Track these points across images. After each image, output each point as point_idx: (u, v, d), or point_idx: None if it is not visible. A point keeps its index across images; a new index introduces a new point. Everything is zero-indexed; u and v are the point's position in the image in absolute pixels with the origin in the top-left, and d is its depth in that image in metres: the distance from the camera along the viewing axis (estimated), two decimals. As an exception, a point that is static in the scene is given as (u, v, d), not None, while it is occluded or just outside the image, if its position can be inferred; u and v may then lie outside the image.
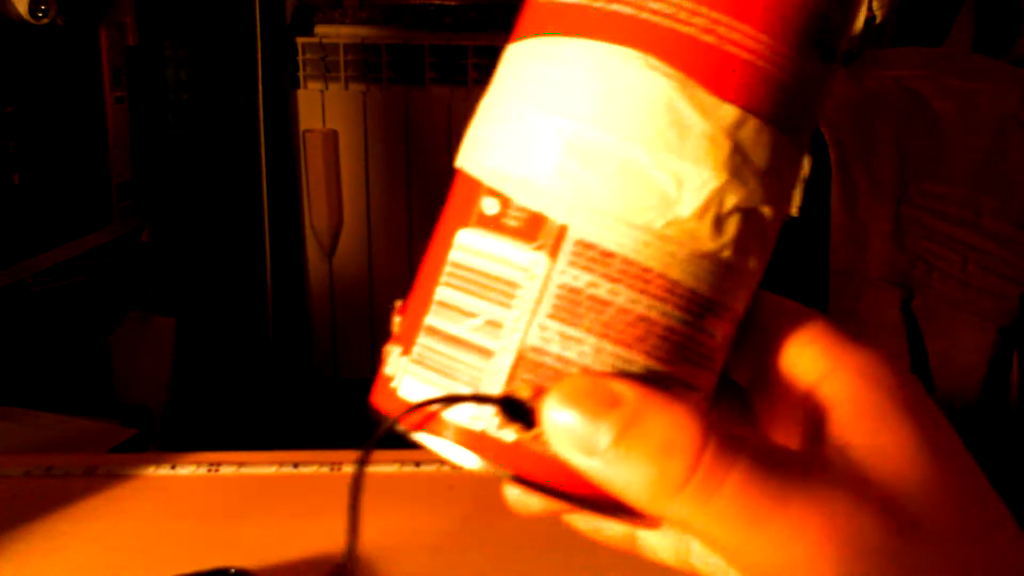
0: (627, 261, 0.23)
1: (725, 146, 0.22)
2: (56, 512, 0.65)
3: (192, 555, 0.59)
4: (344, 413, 2.14)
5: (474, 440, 0.23)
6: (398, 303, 0.26)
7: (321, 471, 0.70)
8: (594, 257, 0.23)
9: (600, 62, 0.23)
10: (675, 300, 0.23)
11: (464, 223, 0.24)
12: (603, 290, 0.23)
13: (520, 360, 0.23)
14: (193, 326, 1.97)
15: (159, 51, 1.94)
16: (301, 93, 2.04)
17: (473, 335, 0.23)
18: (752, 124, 0.23)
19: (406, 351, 0.25)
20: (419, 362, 0.24)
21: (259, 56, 1.94)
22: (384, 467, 0.70)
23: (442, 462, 0.72)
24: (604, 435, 0.22)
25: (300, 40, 2.02)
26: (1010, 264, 1.16)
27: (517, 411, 0.23)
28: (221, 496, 0.68)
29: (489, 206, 0.24)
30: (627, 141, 0.22)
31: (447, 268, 0.24)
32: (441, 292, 0.24)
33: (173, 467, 0.70)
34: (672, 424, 0.22)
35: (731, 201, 0.23)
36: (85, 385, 1.81)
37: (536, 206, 0.23)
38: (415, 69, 1.99)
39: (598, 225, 0.23)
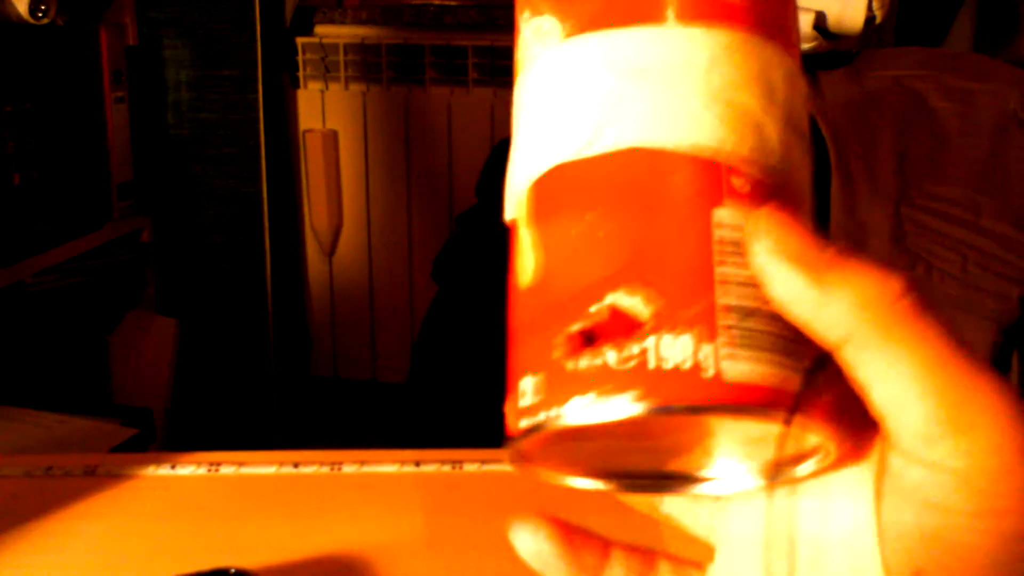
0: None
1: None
2: (56, 512, 0.65)
3: (192, 555, 0.59)
4: (344, 413, 2.14)
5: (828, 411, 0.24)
6: (622, 298, 0.24)
7: (321, 471, 0.70)
8: None
9: (762, 53, 0.26)
10: None
11: (716, 203, 0.24)
12: None
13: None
14: (193, 326, 1.97)
15: (159, 51, 1.94)
16: (301, 93, 2.04)
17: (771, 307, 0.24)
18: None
19: (708, 337, 0.23)
20: (736, 344, 0.23)
21: (259, 56, 1.94)
22: (384, 467, 0.70)
23: (442, 462, 0.72)
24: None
25: (300, 40, 2.02)
26: (1010, 264, 1.16)
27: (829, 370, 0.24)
28: (221, 496, 0.68)
29: (740, 184, 0.25)
30: (780, 119, 0.26)
31: (718, 246, 0.24)
32: (721, 271, 0.24)
33: (173, 467, 0.70)
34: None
35: None
36: (84, 385, 1.81)
37: (770, 180, 0.25)
38: (415, 69, 1.99)
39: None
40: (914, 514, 0.23)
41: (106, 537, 0.63)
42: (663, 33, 0.26)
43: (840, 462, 0.26)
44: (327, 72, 2.02)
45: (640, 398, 0.23)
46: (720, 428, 0.27)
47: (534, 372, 0.24)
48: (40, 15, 1.57)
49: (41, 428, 1.39)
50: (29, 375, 1.68)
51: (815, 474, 0.26)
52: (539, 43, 0.27)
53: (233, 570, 0.56)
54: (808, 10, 1.20)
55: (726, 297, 0.24)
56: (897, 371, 0.23)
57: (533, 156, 0.27)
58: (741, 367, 0.23)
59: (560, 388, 0.24)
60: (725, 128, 0.25)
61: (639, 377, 0.23)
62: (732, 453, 0.28)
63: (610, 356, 0.23)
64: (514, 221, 0.27)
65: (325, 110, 2.04)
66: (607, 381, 0.23)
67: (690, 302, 0.24)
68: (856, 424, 0.25)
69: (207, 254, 2.03)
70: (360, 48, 2.00)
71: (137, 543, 0.62)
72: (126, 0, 1.88)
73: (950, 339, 0.23)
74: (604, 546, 0.29)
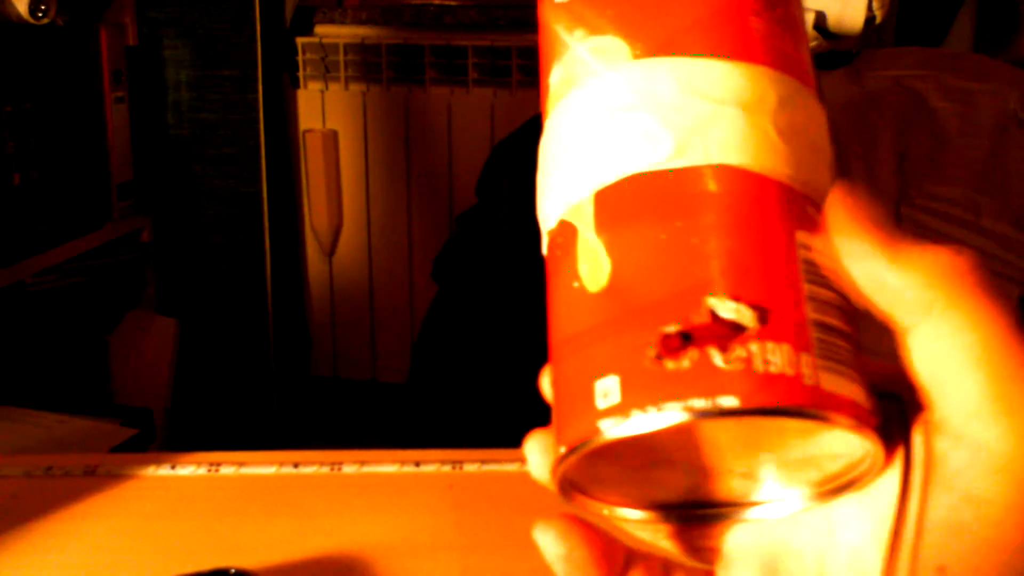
0: None
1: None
2: (56, 512, 0.65)
3: (192, 555, 0.59)
4: (344, 413, 2.14)
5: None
6: (726, 303, 0.25)
7: (321, 471, 0.70)
8: None
9: (809, 96, 0.28)
10: None
11: (798, 226, 0.26)
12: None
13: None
14: (193, 326, 1.97)
15: (159, 51, 1.95)
16: (301, 93, 2.04)
17: (845, 327, 0.25)
18: None
19: (801, 348, 0.24)
20: (826, 356, 0.25)
21: (259, 56, 1.94)
22: (384, 467, 0.70)
23: (442, 462, 0.72)
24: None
25: (300, 40, 2.02)
26: (1010, 264, 1.16)
27: None
28: (221, 496, 0.68)
29: (812, 212, 0.26)
30: (827, 154, 0.28)
31: (804, 266, 0.25)
32: (808, 289, 0.25)
33: (173, 467, 0.70)
34: None
35: None
36: (84, 385, 1.81)
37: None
38: (415, 69, 1.99)
39: None
40: (948, 505, 0.24)
41: (106, 537, 0.63)
42: (736, 69, 0.27)
43: (872, 478, 0.26)
44: (327, 72, 2.02)
45: (747, 398, 0.23)
46: (775, 446, 0.27)
47: (618, 372, 0.24)
48: (40, 15, 1.57)
49: (41, 428, 1.39)
50: (29, 375, 1.68)
51: (854, 489, 0.27)
52: (601, 60, 0.28)
53: (233, 570, 0.56)
54: (808, 10, 1.20)
55: (814, 313, 0.25)
56: (960, 343, 0.23)
57: (598, 165, 0.27)
58: (833, 378, 0.24)
59: (656, 387, 0.24)
60: (799, 160, 0.27)
61: (744, 378, 0.24)
62: (773, 476, 0.28)
63: (715, 357, 0.24)
64: (567, 226, 0.27)
65: (325, 110, 2.04)
66: (711, 380, 0.24)
67: (787, 314, 0.24)
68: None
69: (207, 254, 2.03)
70: (360, 48, 2.00)
71: (137, 543, 0.62)
72: (126, 0, 1.88)
73: (1011, 317, 0.24)
74: (626, 554, 0.29)
